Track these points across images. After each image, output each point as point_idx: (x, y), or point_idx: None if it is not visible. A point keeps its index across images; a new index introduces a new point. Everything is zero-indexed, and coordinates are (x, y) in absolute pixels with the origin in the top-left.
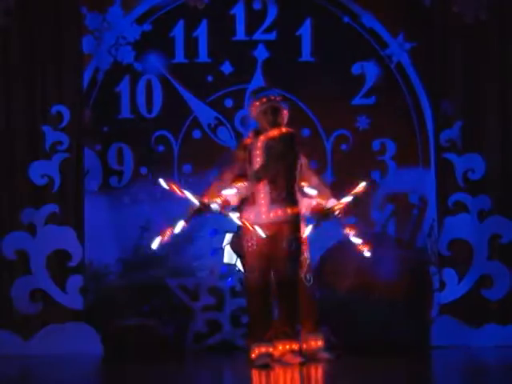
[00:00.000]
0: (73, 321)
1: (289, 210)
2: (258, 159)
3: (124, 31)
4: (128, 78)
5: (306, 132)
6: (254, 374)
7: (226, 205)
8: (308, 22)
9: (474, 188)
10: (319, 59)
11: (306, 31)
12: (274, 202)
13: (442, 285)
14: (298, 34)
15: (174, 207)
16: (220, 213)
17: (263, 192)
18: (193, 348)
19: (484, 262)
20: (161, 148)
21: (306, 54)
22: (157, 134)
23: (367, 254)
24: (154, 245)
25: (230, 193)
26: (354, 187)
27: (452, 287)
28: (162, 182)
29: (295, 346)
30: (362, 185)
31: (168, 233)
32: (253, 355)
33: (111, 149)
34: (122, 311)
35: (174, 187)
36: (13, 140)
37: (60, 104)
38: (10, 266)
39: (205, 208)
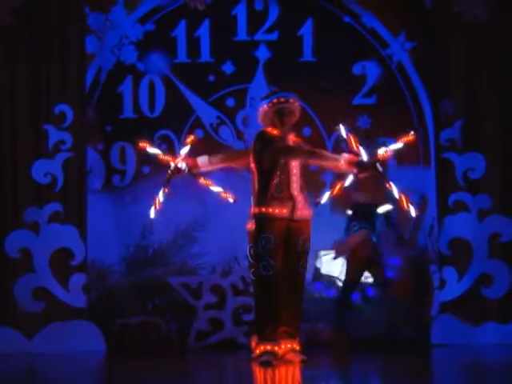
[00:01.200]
0: (76, 319)
1: (310, 211)
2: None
3: (127, 31)
4: (131, 77)
5: (307, 131)
6: (256, 371)
7: (195, 168)
8: (309, 22)
9: (474, 187)
10: (320, 59)
11: (307, 31)
12: (305, 200)
13: (443, 283)
14: (299, 34)
15: (176, 206)
16: (191, 174)
17: (297, 190)
18: (195, 346)
19: (484, 260)
20: (163, 147)
21: (308, 54)
22: (159, 133)
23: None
24: (151, 214)
25: (201, 158)
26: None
27: (452, 286)
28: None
29: (297, 346)
30: (411, 133)
31: (157, 202)
32: (257, 351)
33: (114, 148)
34: (124, 309)
35: (145, 146)
36: (16, 139)
37: (63, 103)
38: (14, 265)
39: (174, 169)
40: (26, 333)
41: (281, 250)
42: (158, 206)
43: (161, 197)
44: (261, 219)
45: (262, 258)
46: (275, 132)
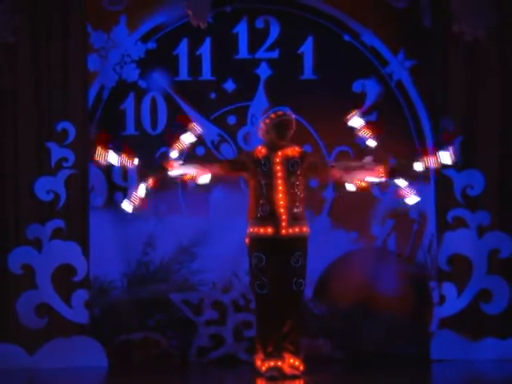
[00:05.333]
0: (78, 335)
1: (304, 228)
2: (280, 174)
3: (129, 49)
4: (133, 95)
5: (307, 148)
6: None
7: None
8: (310, 41)
9: (473, 204)
10: (321, 77)
11: (307, 49)
12: (294, 218)
13: (442, 299)
14: (299, 52)
15: (178, 223)
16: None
17: (283, 207)
18: (196, 361)
19: (483, 276)
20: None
21: (308, 72)
22: (161, 150)
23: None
24: (127, 208)
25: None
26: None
27: (452, 301)
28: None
29: (295, 361)
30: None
31: (136, 197)
32: (263, 368)
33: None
34: (126, 325)
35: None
36: (19, 156)
37: (66, 121)
38: (16, 281)
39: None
40: (28, 349)
41: (276, 268)
42: (136, 202)
43: (140, 191)
44: (251, 238)
45: (256, 276)
46: (258, 153)
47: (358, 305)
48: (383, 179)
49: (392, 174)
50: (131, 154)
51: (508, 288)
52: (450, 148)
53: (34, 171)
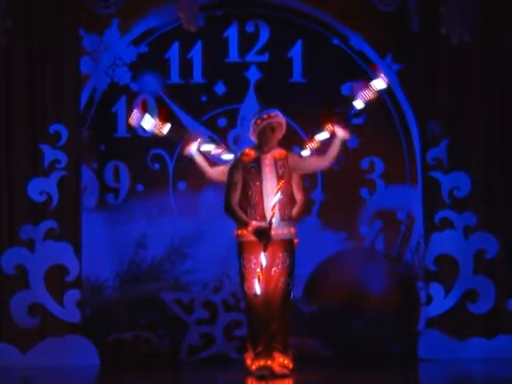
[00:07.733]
0: (70, 334)
1: (292, 229)
2: (269, 176)
3: (121, 52)
4: (124, 97)
5: (296, 150)
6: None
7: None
8: (299, 44)
9: (460, 205)
10: (310, 80)
11: (297, 53)
12: (282, 219)
13: (429, 299)
14: (289, 55)
15: (169, 223)
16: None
17: (271, 209)
18: (187, 360)
19: (469, 276)
20: (156, 166)
21: (297, 75)
22: (152, 152)
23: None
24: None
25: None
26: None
27: (439, 301)
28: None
29: (284, 360)
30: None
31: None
32: (253, 367)
33: (108, 167)
34: (118, 324)
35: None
36: (13, 158)
37: (58, 123)
38: (10, 281)
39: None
40: (21, 348)
41: (264, 268)
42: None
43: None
44: (240, 240)
45: (245, 277)
46: (245, 158)
47: (346, 304)
48: (338, 132)
49: (338, 124)
50: (164, 121)
51: (494, 288)
52: (380, 73)
53: (27, 172)
